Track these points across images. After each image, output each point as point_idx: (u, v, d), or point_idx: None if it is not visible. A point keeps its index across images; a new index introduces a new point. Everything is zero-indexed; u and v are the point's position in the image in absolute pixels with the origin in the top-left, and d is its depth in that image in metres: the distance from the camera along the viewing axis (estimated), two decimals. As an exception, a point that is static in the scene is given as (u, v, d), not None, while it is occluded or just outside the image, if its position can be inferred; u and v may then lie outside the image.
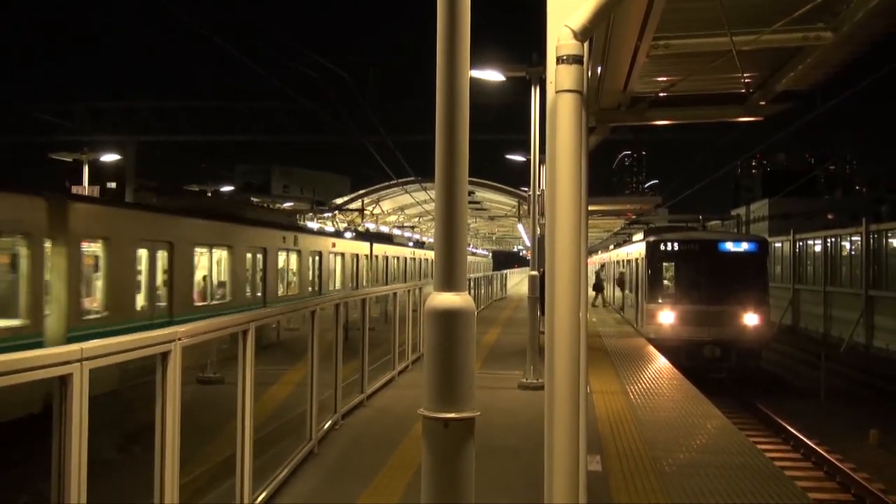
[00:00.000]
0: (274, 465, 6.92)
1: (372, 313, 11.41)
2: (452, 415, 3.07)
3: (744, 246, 22.33)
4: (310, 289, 23.26)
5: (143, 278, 14.39)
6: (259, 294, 19.36)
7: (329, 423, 8.71)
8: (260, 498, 6.12)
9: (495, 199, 41.55)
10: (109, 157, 28.52)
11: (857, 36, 5.60)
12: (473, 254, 72.89)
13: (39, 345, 10.87)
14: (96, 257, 13.15)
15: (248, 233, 19.07)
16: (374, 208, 43.98)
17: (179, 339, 4.46)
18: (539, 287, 12.80)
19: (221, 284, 17.82)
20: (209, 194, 36.90)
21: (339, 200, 45.70)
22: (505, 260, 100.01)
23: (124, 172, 32.69)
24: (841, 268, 31.25)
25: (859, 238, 28.86)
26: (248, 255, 18.96)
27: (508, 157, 24.89)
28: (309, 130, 35.81)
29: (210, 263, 17.32)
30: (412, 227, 52.16)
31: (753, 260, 22.07)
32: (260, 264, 19.63)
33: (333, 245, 26.09)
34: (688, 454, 8.29)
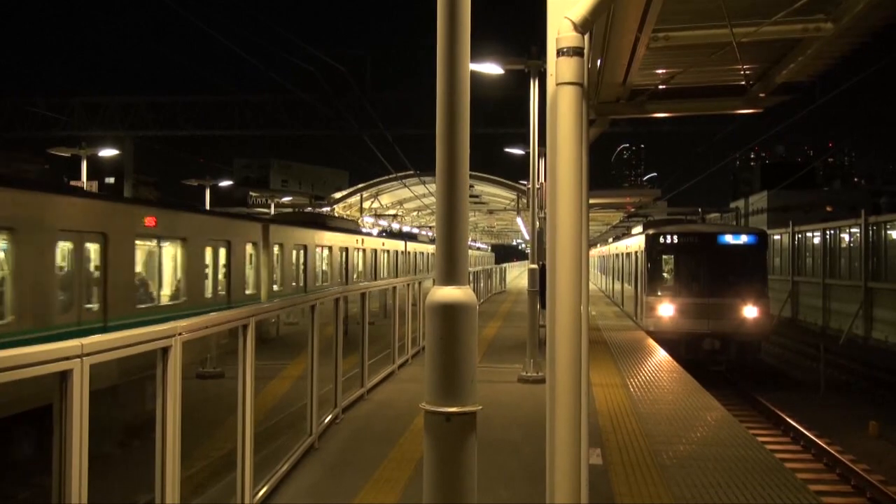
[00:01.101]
0: (275, 460, 6.92)
1: (371, 307, 11.43)
2: (454, 409, 3.07)
3: (743, 238, 22.31)
4: (371, 276, 31.34)
5: (294, 267, 22.35)
6: (343, 280, 27.05)
7: (329, 417, 8.71)
8: (261, 492, 6.12)
9: (494, 193, 41.53)
10: (107, 153, 28.46)
11: (856, 27, 5.58)
12: (478, 248, 74.09)
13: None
14: (277, 255, 20.66)
15: (341, 237, 27.21)
16: (372, 202, 43.97)
17: (180, 334, 4.44)
18: (539, 281, 12.79)
19: (325, 272, 25.57)
20: (207, 188, 36.91)
21: (337, 195, 45.67)
22: (504, 254, 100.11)
23: (122, 167, 32.65)
24: (840, 260, 31.24)
25: (858, 230, 28.86)
26: (339, 253, 26.74)
27: (507, 150, 24.87)
28: (307, 125, 35.81)
29: (321, 258, 25.30)
30: (431, 227, 53.38)
31: (752, 252, 22.05)
32: (345, 258, 27.73)
33: (383, 244, 34.11)
34: (688, 447, 8.30)
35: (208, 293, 16.64)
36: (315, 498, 6.47)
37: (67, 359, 3.35)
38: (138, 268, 14.10)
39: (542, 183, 14.68)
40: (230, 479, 5.74)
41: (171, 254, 15.52)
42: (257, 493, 6.01)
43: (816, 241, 33.69)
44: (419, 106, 35.20)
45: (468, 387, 3.11)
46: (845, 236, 30.98)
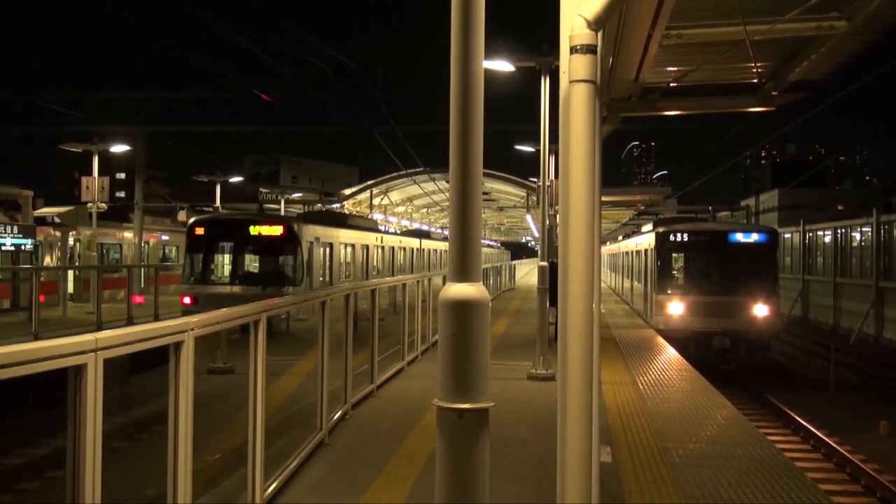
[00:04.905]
0: (285, 455, 6.94)
1: (381, 303, 11.45)
2: (466, 405, 3.08)
3: (753, 237, 22.22)
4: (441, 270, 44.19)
5: (429, 259, 37.66)
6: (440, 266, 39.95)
7: (339, 413, 8.73)
8: (272, 487, 6.14)
9: (504, 190, 41.40)
10: (119, 148, 28.54)
11: (870, 25, 5.57)
12: (498, 248, 74.90)
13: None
14: (424, 253, 36.67)
15: (431, 243, 41.20)
16: (382, 199, 43.97)
17: (192, 330, 4.46)
18: (549, 278, 12.77)
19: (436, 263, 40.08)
20: (218, 184, 37.10)
21: (347, 191, 45.64)
22: (513, 251, 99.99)
23: (134, 163, 32.70)
24: (851, 259, 31.10)
25: (870, 229, 28.73)
26: (426, 252, 38.61)
27: (518, 147, 24.83)
28: (318, 121, 35.79)
29: (436, 254, 40.60)
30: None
31: (763, 251, 21.97)
32: (427, 256, 40.48)
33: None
34: (698, 445, 8.29)
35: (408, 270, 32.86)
36: (325, 493, 6.49)
37: (81, 353, 3.36)
38: (374, 261, 27.20)
39: (552, 180, 14.66)
40: (241, 473, 5.76)
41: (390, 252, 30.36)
42: (268, 488, 6.04)
43: (827, 239, 33.55)
44: (428, 104, 35.12)
45: (480, 383, 3.12)
46: (856, 235, 30.83)
